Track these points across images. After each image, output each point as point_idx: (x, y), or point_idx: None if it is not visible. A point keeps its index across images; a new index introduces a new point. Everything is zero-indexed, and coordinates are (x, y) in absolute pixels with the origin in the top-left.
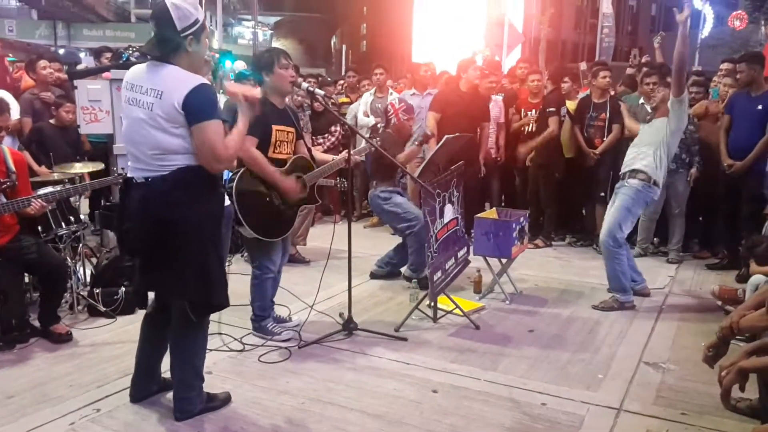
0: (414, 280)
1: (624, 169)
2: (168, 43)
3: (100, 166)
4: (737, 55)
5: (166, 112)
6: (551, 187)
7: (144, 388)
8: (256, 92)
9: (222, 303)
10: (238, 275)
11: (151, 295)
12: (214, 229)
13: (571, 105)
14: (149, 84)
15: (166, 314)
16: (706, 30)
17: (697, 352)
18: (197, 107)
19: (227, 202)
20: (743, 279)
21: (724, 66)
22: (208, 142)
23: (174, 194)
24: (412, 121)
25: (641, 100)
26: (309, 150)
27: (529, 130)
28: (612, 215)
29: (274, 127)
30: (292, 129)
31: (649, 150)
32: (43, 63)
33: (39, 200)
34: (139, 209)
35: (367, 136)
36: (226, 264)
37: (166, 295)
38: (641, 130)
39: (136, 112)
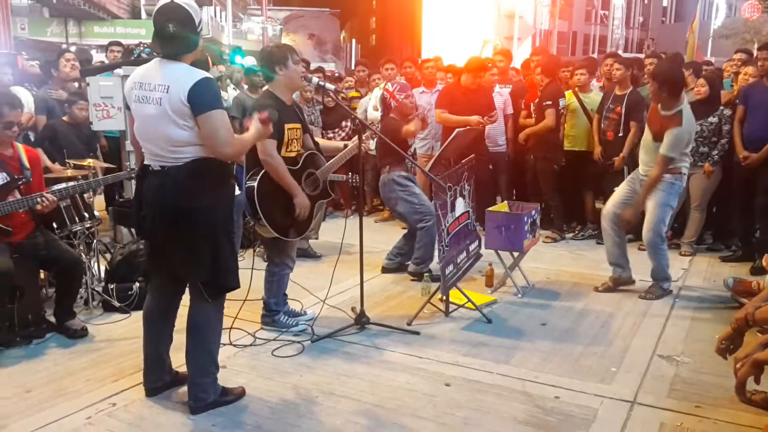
0: (426, 275)
1: (647, 170)
2: (189, 41)
3: (112, 166)
4: (749, 46)
5: (174, 105)
6: (550, 180)
7: (156, 377)
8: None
9: (232, 285)
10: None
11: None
12: (226, 215)
13: (586, 98)
14: (158, 81)
15: (166, 300)
16: (718, 20)
17: (712, 345)
18: (200, 98)
19: (237, 191)
20: (757, 271)
21: (737, 56)
22: (213, 130)
23: (189, 183)
24: (410, 98)
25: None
26: (315, 143)
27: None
28: (654, 213)
29: (286, 126)
30: (299, 125)
31: None
32: (63, 61)
33: (50, 195)
34: (156, 196)
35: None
36: (239, 258)
37: (180, 276)
38: (645, 139)
39: (148, 109)
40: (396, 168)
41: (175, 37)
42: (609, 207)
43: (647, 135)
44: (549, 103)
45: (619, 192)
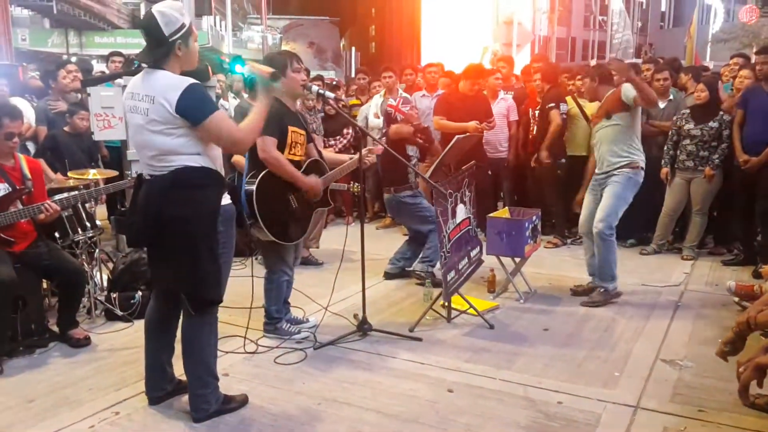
0: (428, 281)
1: (606, 168)
2: (158, 49)
3: (114, 173)
4: (748, 50)
5: (160, 114)
6: (554, 185)
7: (157, 386)
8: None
9: (213, 298)
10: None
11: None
12: (210, 226)
13: (586, 104)
14: (144, 91)
15: (166, 310)
16: (716, 25)
17: (714, 349)
18: (194, 108)
19: (226, 201)
20: (759, 275)
21: (733, 60)
22: (220, 133)
23: (172, 192)
24: (414, 110)
25: None
26: (319, 152)
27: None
28: (608, 204)
29: (290, 128)
30: (303, 131)
31: (626, 145)
32: (63, 73)
33: (53, 204)
34: (142, 204)
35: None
36: (240, 267)
37: (161, 285)
38: (600, 128)
39: (136, 119)
40: (401, 188)
41: (148, 45)
42: (583, 221)
43: (603, 133)
44: (552, 105)
45: (588, 206)
